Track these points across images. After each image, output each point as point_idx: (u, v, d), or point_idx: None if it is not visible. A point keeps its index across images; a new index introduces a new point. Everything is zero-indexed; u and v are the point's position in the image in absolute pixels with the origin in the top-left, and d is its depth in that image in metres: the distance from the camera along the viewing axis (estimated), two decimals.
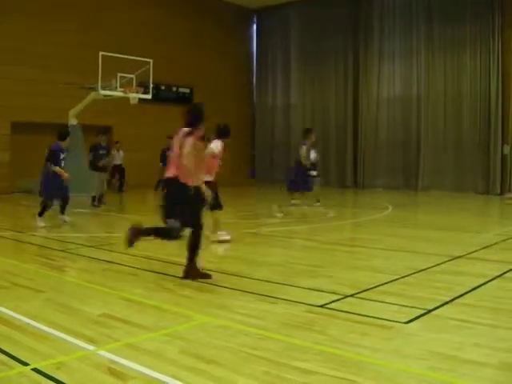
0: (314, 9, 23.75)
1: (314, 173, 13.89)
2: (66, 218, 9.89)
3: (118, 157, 18.15)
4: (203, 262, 5.89)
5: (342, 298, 4.97)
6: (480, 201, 17.59)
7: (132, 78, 15.28)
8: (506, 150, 19.26)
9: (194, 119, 5.74)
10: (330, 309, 4.64)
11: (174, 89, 22.49)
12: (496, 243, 8.37)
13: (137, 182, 18.83)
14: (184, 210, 5.54)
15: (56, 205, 9.91)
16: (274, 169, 25.54)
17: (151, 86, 16.31)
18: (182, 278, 5.68)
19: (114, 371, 3.25)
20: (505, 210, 16.00)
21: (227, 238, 8.25)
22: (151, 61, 15.75)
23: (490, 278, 5.81)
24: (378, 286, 5.46)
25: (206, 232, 7.95)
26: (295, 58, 24.96)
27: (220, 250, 8.18)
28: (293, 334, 3.97)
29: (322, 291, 5.21)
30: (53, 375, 3.16)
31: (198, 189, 5.68)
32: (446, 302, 4.82)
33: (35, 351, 3.55)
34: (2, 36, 16.92)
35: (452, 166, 20.39)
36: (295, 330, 4.07)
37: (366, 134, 22.82)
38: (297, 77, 24.98)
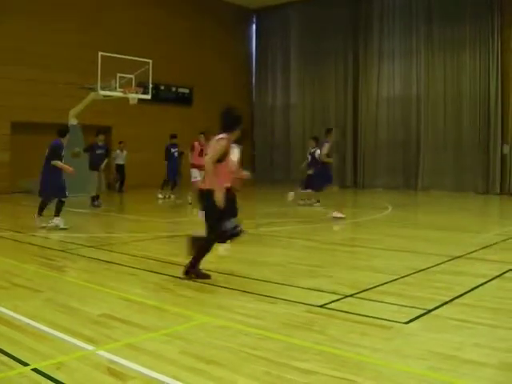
0: (314, 9, 23.75)
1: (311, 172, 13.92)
2: (60, 222, 9.36)
3: (121, 157, 18.14)
4: (203, 262, 5.88)
5: (342, 298, 4.97)
6: (480, 201, 17.59)
7: (131, 79, 15.28)
8: (506, 149, 19.26)
9: (230, 122, 5.60)
10: (329, 309, 4.64)
11: (174, 89, 22.48)
12: (496, 243, 8.37)
13: (136, 182, 18.83)
14: (217, 216, 5.44)
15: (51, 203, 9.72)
16: (273, 169, 25.55)
17: (151, 86, 16.31)
18: (182, 277, 5.66)
19: (113, 371, 3.25)
20: (505, 210, 16.00)
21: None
22: (151, 61, 15.76)
23: (490, 278, 5.81)
24: (378, 286, 5.46)
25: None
26: (295, 57, 24.96)
27: (219, 250, 8.17)
28: (293, 334, 3.97)
29: (322, 291, 5.21)
30: (53, 375, 3.16)
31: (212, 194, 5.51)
32: (446, 302, 4.82)
33: (35, 351, 3.55)
34: (2, 36, 16.91)
35: (452, 165, 20.39)
36: (295, 330, 4.07)
37: (366, 134, 22.82)
38: (296, 77, 24.97)
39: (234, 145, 8.00)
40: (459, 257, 7.13)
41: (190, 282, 5.59)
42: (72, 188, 10.12)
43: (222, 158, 5.43)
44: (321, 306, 4.68)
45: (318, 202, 13.91)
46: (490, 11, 19.41)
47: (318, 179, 11.92)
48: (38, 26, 17.68)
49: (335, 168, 23.37)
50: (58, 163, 9.20)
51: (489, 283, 5.63)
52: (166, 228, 10.56)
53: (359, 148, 23.03)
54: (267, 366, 3.35)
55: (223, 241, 5.83)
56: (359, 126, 23.09)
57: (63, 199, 9.38)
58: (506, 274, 6.08)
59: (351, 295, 5.08)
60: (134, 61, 15.39)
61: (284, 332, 4.02)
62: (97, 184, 13.51)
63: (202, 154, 13.48)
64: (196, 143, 13.57)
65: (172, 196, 15.19)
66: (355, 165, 23.12)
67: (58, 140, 9.41)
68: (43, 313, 4.45)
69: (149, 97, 16.10)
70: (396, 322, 4.26)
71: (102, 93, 15.00)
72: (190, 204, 13.47)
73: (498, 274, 6.05)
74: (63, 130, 9.59)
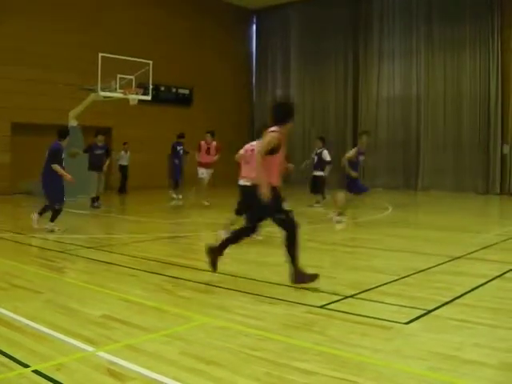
0: (314, 9, 23.74)
1: (320, 173, 13.96)
2: (55, 227, 9.18)
3: (125, 158, 18.10)
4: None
5: (342, 299, 4.97)
6: (480, 201, 17.58)
7: (132, 79, 15.27)
8: (506, 149, 19.25)
9: (282, 115, 5.44)
10: (329, 309, 4.64)
11: (174, 90, 22.48)
12: (496, 243, 8.37)
13: (137, 183, 18.83)
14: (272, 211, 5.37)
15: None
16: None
17: (151, 87, 16.30)
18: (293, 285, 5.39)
19: (113, 372, 3.25)
20: (505, 210, 16.00)
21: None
22: (151, 62, 15.74)
23: (490, 278, 5.81)
24: (378, 286, 5.46)
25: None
26: (295, 57, 24.95)
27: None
28: (293, 335, 3.97)
29: (322, 292, 5.21)
30: (53, 376, 3.16)
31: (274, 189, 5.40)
32: (446, 303, 4.82)
33: (35, 352, 3.55)
34: (2, 36, 16.91)
35: (452, 165, 20.38)
36: (295, 331, 4.07)
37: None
38: (297, 77, 24.97)
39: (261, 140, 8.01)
40: (459, 257, 7.13)
41: (190, 283, 5.58)
42: (71, 190, 10.05)
43: (275, 150, 5.30)
44: (321, 307, 4.68)
45: (318, 202, 13.91)
46: (490, 11, 19.40)
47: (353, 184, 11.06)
48: (38, 26, 17.68)
49: (335, 168, 23.39)
50: (58, 168, 9.00)
51: (489, 283, 5.63)
52: (167, 229, 10.56)
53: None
54: (267, 366, 3.35)
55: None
56: (359, 126, 23.05)
57: (57, 207, 9.12)
58: (507, 275, 6.08)
59: (351, 296, 5.08)
60: (134, 61, 15.37)
61: (284, 333, 4.02)
62: (96, 185, 13.48)
63: (208, 152, 13.60)
64: (202, 142, 13.64)
65: (174, 196, 15.14)
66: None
67: (57, 143, 9.24)
68: (43, 314, 4.44)
69: (149, 98, 16.07)
70: (396, 322, 4.26)
71: (102, 94, 14.97)
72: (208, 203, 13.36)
73: (498, 274, 6.05)
74: (63, 132, 9.41)
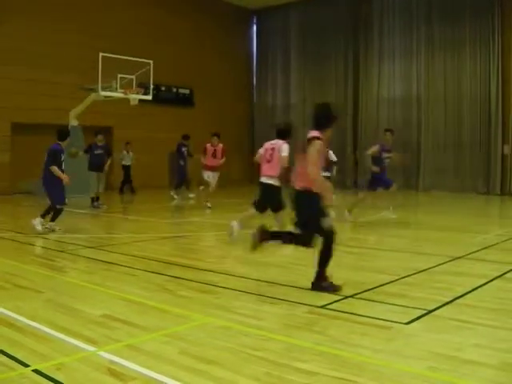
0: (314, 9, 23.74)
1: (326, 173, 13.96)
2: (56, 226, 9.15)
3: (128, 158, 18.07)
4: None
5: (343, 299, 4.97)
6: (480, 201, 17.58)
7: (132, 79, 15.28)
8: (506, 149, 19.26)
9: (322, 119, 5.29)
10: (330, 309, 4.64)
11: (174, 89, 22.49)
12: (496, 244, 8.37)
13: (138, 183, 18.80)
14: (316, 219, 5.15)
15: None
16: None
17: (151, 86, 16.31)
18: (311, 288, 5.26)
19: (114, 372, 3.25)
20: (505, 211, 16.00)
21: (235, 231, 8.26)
22: (151, 62, 15.76)
23: (491, 279, 5.81)
24: (379, 286, 5.46)
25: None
26: (295, 57, 24.95)
27: (219, 251, 8.18)
28: (293, 335, 3.97)
29: (323, 292, 5.20)
30: (53, 376, 3.17)
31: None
32: (447, 303, 4.82)
33: (35, 352, 3.55)
34: (2, 36, 16.91)
35: (452, 166, 20.38)
36: (296, 331, 4.07)
37: (366, 134, 22.79)
38: (297, 77, 24.97)
39: (281, 141, 8.04)
40: (460, 257, 7.13)
41: (191, 283, 5.58)
42: (71, 189, 10.03)
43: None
44: (321, 307, 4.68)
45: None
46: (491, 11, 19.40)
47: (379, 179, 11.12)
48: (38, 26, 17.68)
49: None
50: (56, 170, 8.86)
51: (489, 284, 5.63)
52: (167, 229, 10.56)
53: (359, 148, 23.00)
54: (268, 366, 3.35)
55: (304, 245, 5.38)
56: (359, 126, 23.08)
57: (58, 207, 9.04)
58: (507, 275, 6.08)
59: (352, 296, 5.08)
60: (134, 61, 15.38)
61: (285, 333, 4.02)
62: (96, 185, 13.47)
63: (214, 155, 13.23)
64: (208, 145, 13.31)
65: (176, 196, 15.12)
66: (355, 165, 23.10)
67: (57, 144, 9.12)
68: (44, 313, 4.45)
69: (150, 97, 16.09)
70: (397, 322, 4.26)
71: (103, 93, 14.99)
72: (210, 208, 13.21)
73: (498, 274, 6.05)
74: (64, 133, 9.27)
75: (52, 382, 3.11)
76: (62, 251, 7.50)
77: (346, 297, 5.03)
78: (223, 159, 13.41)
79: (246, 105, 26.03)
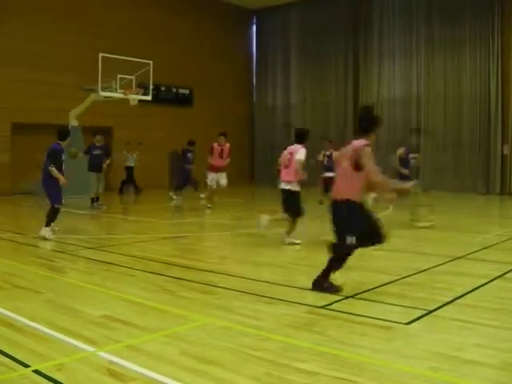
0: (314, 9, 23.74)
1: (331, 174, 13.99)
2: (47, 233, 8.56)
3: (132, 159, 18.02)
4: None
5: (343, 299, 4.96)
6: (480, 201, 17.57)
7: (132, 80, 15.27)
8: (506, 149, 19.25)
9: (368, 124, 5.24)
10: (330, 309, 4.64)
11: (174, 90, 22.49)
12: (496, 243, 8.36)
13: (137, 183, 18.80)
14: (360, 226, 5.04)
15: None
16: (273, 169, 25.47)
17: (151, 87, 16.30)
18: (311, 288, 5.22)
19: (114, 372, 3.25)
20: (505, 211, 15.99)
21: (298, 241, 8.17)
22: (151, 62, 15.75)
23: (491, 279, 5.81)
24: (379, 286, 5.46)
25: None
26: (295, 57, 24.95)
27: (219, 251, 8.18)
28: (293, 335, 3.97)
29: (323, 292, 5.19)
30: (53, 376, 3.16)
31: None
32: (447, 303, 4.82)
33: (36, 353, 3.55)
34: (2, 36, 16.92)
35: (452, 166, 20.37)
36: (295, 331, 4.07)
37: None
38: (297, 77, 24.96)
39: (298, 146, 8.05)
40: (460, 257, 7.12)
41: (191, 284, 5.58)
42: (71, 190, 10.00)
43: (361, 167, 5.04)
44: (321, 307, 4.68)
45: (321, 203, 13.92)
46: (491, 11, 19.40)
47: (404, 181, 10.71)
48: (38, 26, 17.68)
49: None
50: (54, 171, 8.64)
51: (490, 284, 5.63)
52: (167, 229, 10.56)
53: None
54: (268, 366, 3.35)
55: (339, 255, 5.22)
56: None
57: (56, 206, 8.74)
58: (507, 275, 6.08)
59: (352, 296, 5.07)
60: (134, 62, 15.37)
61: (284, 333, 4.02)
62: (96, 186, 13.46)
63: (221, 155, 13.07)
64: (215, 144, 13.15)
65: (174, 197, 15.09)
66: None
67: (57, 144, 8.97)
68: (44, 314, 4.44)
69: (149, 98, 16.07)
70: (397, 322, 4.26)
71: (103, 94, 14.98)
72: (210, 208, 13.17)
73: (498, 274, 6.04)
74: (64, 133, 9.13)
75: (52, 382, 3.11)
76: (61, 252, 7.50)
77: (347, 297, 5.03)
78: (228, 159, 13.31)
79: (246, 105, 26.03)
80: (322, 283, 5.20)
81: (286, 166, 8.00)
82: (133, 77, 15.17)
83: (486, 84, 19.59)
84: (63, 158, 8.98)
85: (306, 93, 24.62)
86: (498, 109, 19.29)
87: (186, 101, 22.95)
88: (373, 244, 5.25)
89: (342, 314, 4.48)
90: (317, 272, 5.32)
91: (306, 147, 8.05)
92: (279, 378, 3.20)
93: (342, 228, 5.06)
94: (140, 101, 15.93)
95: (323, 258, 7.27)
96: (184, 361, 3.44)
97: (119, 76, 14.89)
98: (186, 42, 22.42)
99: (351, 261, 7.19)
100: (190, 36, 22.54)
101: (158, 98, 19.75)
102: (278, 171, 8.42)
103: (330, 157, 14.10)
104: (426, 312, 4.53)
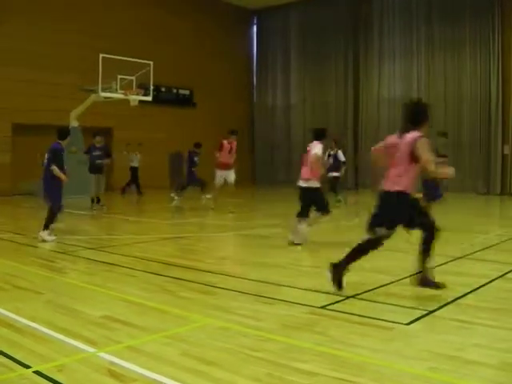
0: (314, 9, 23.75)
1: (336, 174, 14.06)
2: (47, 236, 8.43)
3: (136, 159, 18.01)
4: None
5: (343, 299, 4.96)
6: (480, 201, 17.57)
7: (132, 80, 15.27)
8: (506, 149, 19.25)
9: (419, 116, 5.13)
10: (330, 310, 4.63)
11: (174, 90, 22.50)
12: (497, 244, 8.36)
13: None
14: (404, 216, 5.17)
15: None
16: (274, 169, 25.52)
17: (151, 87, 16.30)
18: (418, 285, 5.18)
19: (114, 373, 3.25)
20: (505, 211, 15.99)
21: (302, 241, 8.10)
22: (151, 63, 15.75)
23: (491, 279, 5.80)
24: (379, 287, 5.46)
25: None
26: (295, 58, 24.96)
27: (220, 252, 8.18)
28: (293, 336, 3.97)
29: (323, 292, 5.20)
30: (54, 377, 3.16)
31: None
32: (447, 303, 4.82)
33: (35, 353, 3.55)
34: (2, 36, 16.93)
35: (452, 166, 20.26)
36: (296, 332, 4.07)
37: (367, 134, 22.80)
38: (297, 77, 24.97)
39: (315, 142, 8.05)
40: (460, 257, 7.12)
41: (191, 284, 5.58)
42: (71, 190, 9.98)
43: (418, 158, 4.98)
44: (322, 307, 4.68)
45: (339, 201, 14.00)
46: (491, 11, 19.41)
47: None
48: (38, 26, 17.69)
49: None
50: (55, 170, 8.56)
51: (490, 284, 5.63)
52: (167, 230, 10.56)
53: (360, 148, 23.01)
54: (268, 367, 3.35)
55: (374, 247, 5.32)
56: (360, 126, 23.08)
57: (55, 208, 8.62)
58: (508, 275, 6.08)
59: (352, 296, 5.07)
60: (134, 62, 15.37)
61: (285, 333, 4.02)
62: (96, 187, 13.45)
63: (231, 152, 12.92)
64: (225, 141, 12.95)
65: (176, 198, 15.05)
66: (356, 165, 23.10)
67: (57, 143, 8.90)
68: (44, 315, 4.45)
69: (150, 98, 16.08)
70: (397, 323, 4.26)
71: (103, 94, 14.99)
72: (212, 209, 13.10)
73: (499, 274, 6.04)
74: (64, 132, 9.06)
75: (52, 383, 3.11)
76: (62, 252, 7.50)
77: (347, 297, 5.03)
78: (235, 155, 13.20)
79: (246, 105, 26.03)
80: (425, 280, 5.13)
81: (305, 164, 8.01)
82: (133, 77, 15.18)
83: (487, 84, 19.59)
84: (64, 156, 8.92)
85: (306, 93, 24.63)
86: (498, 109, 19.29)
87: (186, 101, 22.98)
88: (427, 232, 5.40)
89: (342, 315, 4.48)
90: (317, 272, 5.32)
91: (323, 144, 8.12)
92: (280, 378, 3.19)
93: (383, 218, 5.14)
94: (140, 101, 15.94)
95: (323, 259, 7.28)
96: (184, 361, 3.44)
97: (119, 77, 14.90)
98: (186, 42, 22.42)
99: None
100: (190, 36, 22.55)
101: (158, 99, 19.77)
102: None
103: (335, 156, 14.13)
104: (426, 312, 4.53)
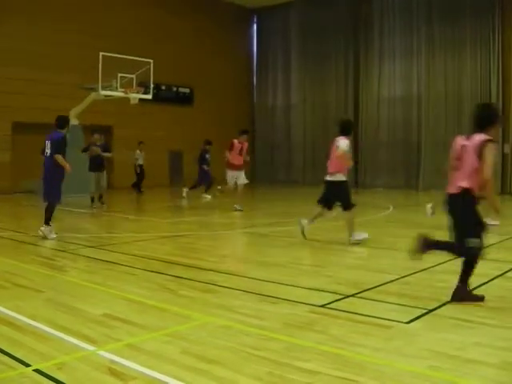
0: (315, 9, 23.75)
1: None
2: (49, 232, 8.41)
3: (140, 157, 18.01)
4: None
5: (344, 298, 4.96)
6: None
7: (132, 78, 15.28)
8: (506, 149, 19.25)
9: (484, 121, 5.15)
10: (331, 309, 4.63)
11: (174, 89, 22.50)
12: (497, 242, 8.36)
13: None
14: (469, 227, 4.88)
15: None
16: (274, 169, 25.52)
17: (152, 86, 16.31)
18: (451, 300, 4.81)
19: (114, 371, 3.25)
20: (505, 210, 15.96)
21: (364, 236, 8.05)
22: (152, 61, 15.76)
23: (492, 278, 5.80)
24: (380, 285, 5.46)
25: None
26: (295, 57, 24.96)
27: (220, 250, 8.17)
28: (294, 334, 3.96)
29: (324, 291, 5.20)
30: (54, 375, 3.16)
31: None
32: (447, 302, 4.81)
33: (36, 351, 3.55)
34: (2, 36, 16.92)
35: None
36: (297, 330, 4.06)
37: (367, 134, 22.81)
38: (297, 76, 24.97)
39: (341, 137, 8.01)
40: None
41: (192, 282, 5.58)
42: (71, 188, 9.97)
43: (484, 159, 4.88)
44: (322, 306, 4.67)
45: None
46: (491, 11, 19.41)
47: None
48: (38, 26, 17.70)
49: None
50: (60, 158, 8.39)
51: (490, 282, 5.62)
52: (168, 228, 10.56)
53: (360, 148, 23.02)
54: (269, 366, 3.35)
55: (466, 256, 4.87)
56: (360, 126, 23.07)
57: (54, 204, 8.54)
58: (508, 274, 6.08)
59: (353, 295, 5.07)
60: (134, 61, 15.38)
61: (286, 332, 4.02)
62: (97, 185, 13.45)
63: (241, 152, 12.69)
64: (236, 141, 12.71)
65: (208, 196, 15.10)
66: (356, 164, 23.10)
67: (58, 132, 8.68)
68: (44, 313, 4.44)
69: (150, 97, 16.09)
70: (397, 321, 4.25)
71: (103, 93, 15.00)
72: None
73: (499, 273, 6.04)
74: (63, 121, 8.80)
75: (52, 381, 3.10)
76: (62, 250, 7.50)
77: (347, 296, 5.03)
78: (248, 157, 13.06)
79: (246, 105, 26.03)
80: (461, 293, 4.81)
81: (330, 158, 7.99)
82: (133, 76, 15.19)
83: (487, 84, 19.59)
84: (66, 145, 8.73)
85: (306, 93, 24.63)
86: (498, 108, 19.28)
87: (186, 100, 22.99)
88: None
89: (343, 313, 4.48)
90: (318, 271, 5.32)
91: (348, 139, 8.06)
92: (281, 377, 3.19)
93: (464, 228, 4.92)
94: (140, 100, 15.96)
95: (323, 258, 7.28)
96: (185, 360, 3.44)
97: (120, 75, 14.92)
98: (186, 42, 22.42)
99: (352, 260, 7.24)
100: (190, 35, 22.55)
101: (158, 97, 19.78)
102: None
103: None
104: (426, 311, 4.53)
